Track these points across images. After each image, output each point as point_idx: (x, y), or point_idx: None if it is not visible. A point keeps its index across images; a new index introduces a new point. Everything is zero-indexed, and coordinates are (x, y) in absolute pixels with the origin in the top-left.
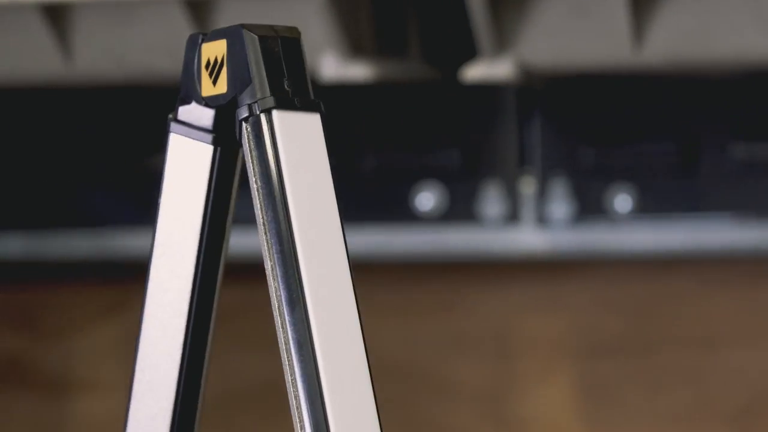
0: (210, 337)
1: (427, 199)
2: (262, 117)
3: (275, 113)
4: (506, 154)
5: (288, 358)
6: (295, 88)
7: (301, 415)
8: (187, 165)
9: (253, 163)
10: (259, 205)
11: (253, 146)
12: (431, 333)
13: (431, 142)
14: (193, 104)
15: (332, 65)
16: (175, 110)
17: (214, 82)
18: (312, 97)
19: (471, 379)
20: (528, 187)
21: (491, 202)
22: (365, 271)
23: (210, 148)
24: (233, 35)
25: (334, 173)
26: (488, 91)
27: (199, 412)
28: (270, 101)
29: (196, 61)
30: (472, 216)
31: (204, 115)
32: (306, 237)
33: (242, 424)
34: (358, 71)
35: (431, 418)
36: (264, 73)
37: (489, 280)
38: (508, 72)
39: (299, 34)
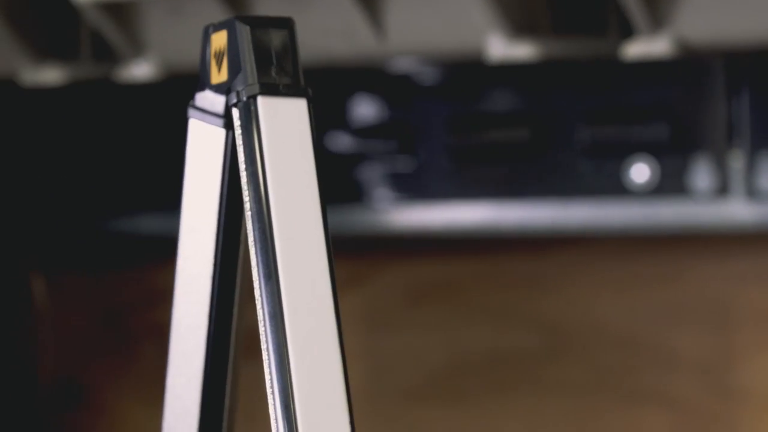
0: (236, 307)
1: (639, 173)
2: (249, 103)
3: (260, 99)
4: (715, 127)
5: (263, 328)
6: (283, 75)
7: (272, 381)
8: (204, 148)
9: (240, 145)
10: (245, 186)
11: (240, 130)
12: (650, 305)
13: (642, 117)
14: (207, 91)
15: (499, 45)
16: (193, 97)
17: (219, 70)
18: (302, 83)
19: (691, 350)
20: (737, 160)
21: (701, 175)
22: (581, 245)
23: (223, 132)
24: (230, 26)
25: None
26: (696, 64)
27: (230, 377)
28: (255, 88)
29: (207, 50)
30: (683, 189)
31: (216, 101)
32: (282, 216)
33: (470, 392)
34: (526, 51)
35: (653, 388)
36: (253, 61)
37: (702, 252)
38: (667, 49)
39: (293, 23)
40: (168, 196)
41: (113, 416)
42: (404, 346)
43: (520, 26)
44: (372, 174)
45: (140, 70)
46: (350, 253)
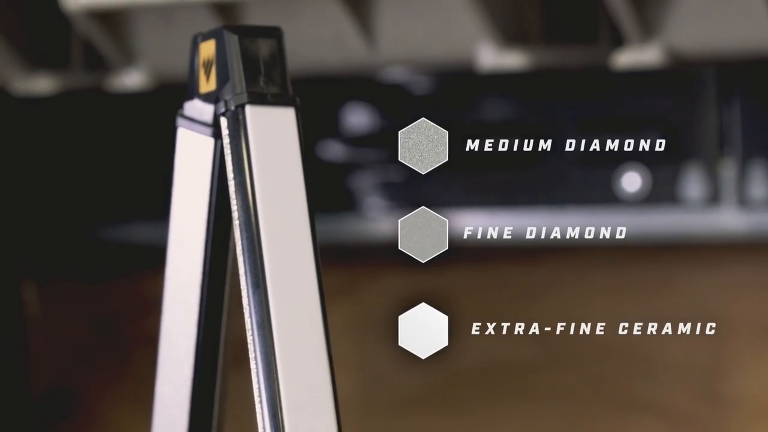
0: (224, 315)
1: (631, 182)
2: (237, 112)
3: (248, 108)
4: (706, 136)
5: (251, 337)
6: (271, 85)
7: (260, 389)
8: (193, 156)
9: (228, 154)
10: (233, 195)
11: (228, 139)
12: (641, 313)
13: (633, 126)
14: (196, 100)
15: (490, 54)
16: (182, 106)
17: (207, 80)
18: (290, 92)
19: (683, 358)
20: (728, 169)
21: (692, 184)
22: (573, 254)
23: (211, 141)
24: (219, 35)
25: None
26: (687, 73)
27: (219, 385)
28: (244, 97)
29: (196, 59)
30: (674, 198)
31: (205, 110)
32: (270, 224)
33: (464, 401)
34: (517, 60)
35: (644, 397)
36: (241, 71)
37: (694, 261)
38: (657, 58)
39: (281, 33)
40: (160, 205)
41: (105, 425)
42: (397, 355)
43: (510, 35)
44: (364, 183)
45: (131, 79)
46: (343, 261)
